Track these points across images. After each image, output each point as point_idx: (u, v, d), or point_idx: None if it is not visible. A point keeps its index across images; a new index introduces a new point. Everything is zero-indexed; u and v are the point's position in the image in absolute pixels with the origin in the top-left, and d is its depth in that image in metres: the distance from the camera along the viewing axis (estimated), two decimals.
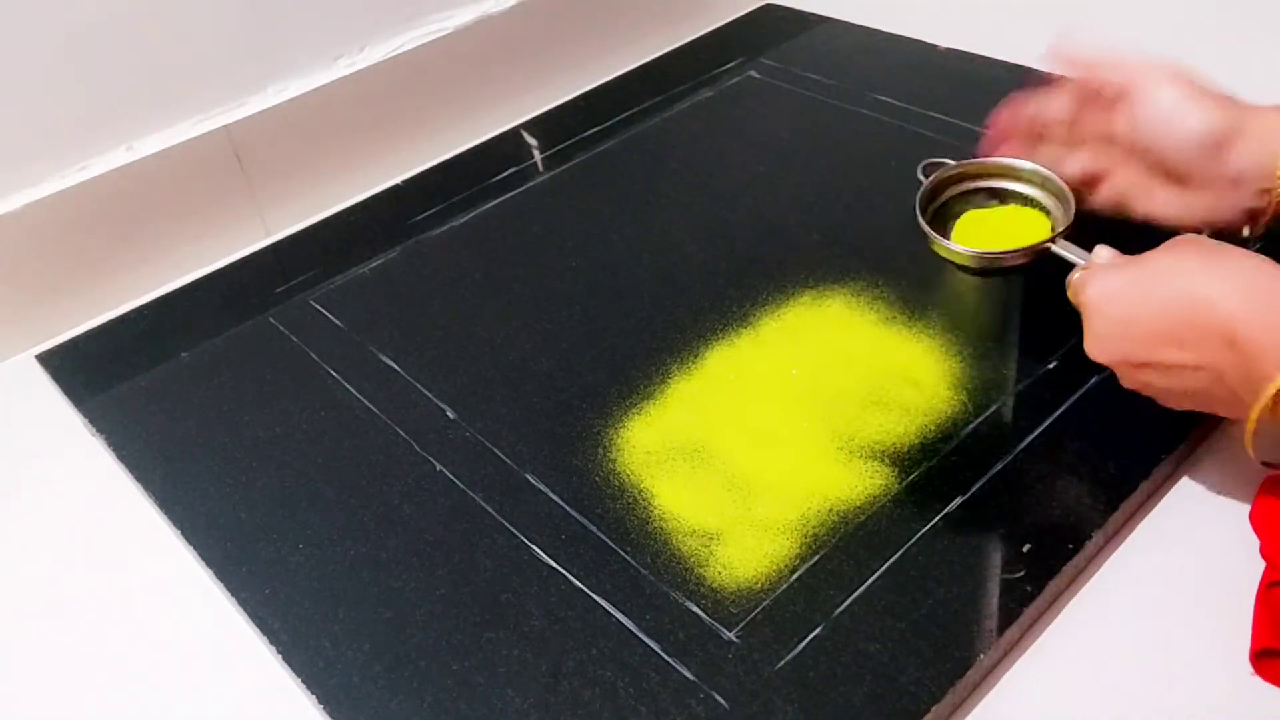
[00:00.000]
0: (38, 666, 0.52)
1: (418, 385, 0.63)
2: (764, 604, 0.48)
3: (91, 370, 0.68)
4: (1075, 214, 0.59)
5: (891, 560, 0.50)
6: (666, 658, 0.47)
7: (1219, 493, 0.53)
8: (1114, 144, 0.57)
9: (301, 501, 0.57)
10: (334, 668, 0.48)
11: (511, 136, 0.88)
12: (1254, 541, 0.49)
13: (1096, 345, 0.50)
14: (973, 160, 0.61)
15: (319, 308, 0.70)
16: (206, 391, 0.65)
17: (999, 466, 0.53)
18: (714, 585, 0.50)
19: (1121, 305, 0.48)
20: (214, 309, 0.72)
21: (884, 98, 0.85)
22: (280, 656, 0.49)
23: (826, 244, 0.70)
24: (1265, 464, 0.48)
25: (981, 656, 0.45)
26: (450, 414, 0.61)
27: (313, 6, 0.77)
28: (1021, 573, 0.48)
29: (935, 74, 0.88)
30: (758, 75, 0.91)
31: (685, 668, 0.46)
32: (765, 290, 0.66)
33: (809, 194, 0.75)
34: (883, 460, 0.55)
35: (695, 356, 0.62)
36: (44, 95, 0.68)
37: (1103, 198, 0.59)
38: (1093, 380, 0.57)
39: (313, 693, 0.47)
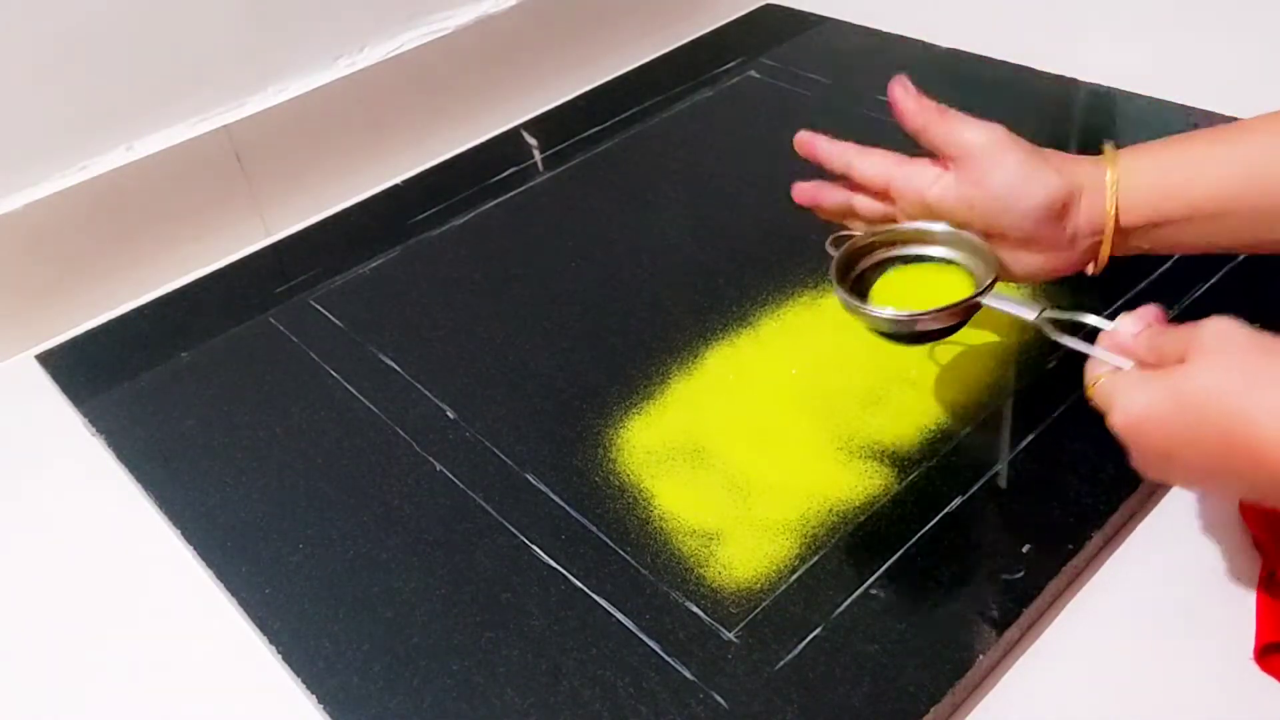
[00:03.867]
0: (38, 666, 0.52)
1: (418, 385, 0.63)
2: (764, 604, 0.48)
3: (91, 370, 0.68)
4: (998, 269, 0.53)
5: (891, 560, 0.50)
6: (666, 658, 0.47)
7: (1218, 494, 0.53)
8: (934, 213, 0.54)
9: (301, 501, 0.57)
10: (334, 668, 0.48)
11: (511, 136, 0.88)
12: (1251, 543, 0.49)
13: (1143, 471, 0.45)
14: (883, 228, 0.56)
15: (319, 308, 0.70)
16: (206, 391, 0.65)
17: (999, 466, 0.53)
18: (714, 585, 0.50)
19: (1160, 437, 0.43)
20: (214, 309, 0.72)
21: (884, 98, 0.84)
22: (280, 656, 0.49)
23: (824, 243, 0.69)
24: None
25: (981, 656, 0.45)
26: (450, 414, 0.61)
27: (313, 6, 0.77)
28: (1021, 573, 0.48)
29: (935, 74, 0.87)
30: (758, 75, 0.91)
31: (685, 668, 0.46)
32: (765, 290, 0.66)
33: None
34: (883, 460, 0.55)
35: (695, 356, 0.62)
36: (44, 95, 0.68)
37: None
38: None
39: (313, 693, 0.47)
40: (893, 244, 0.56)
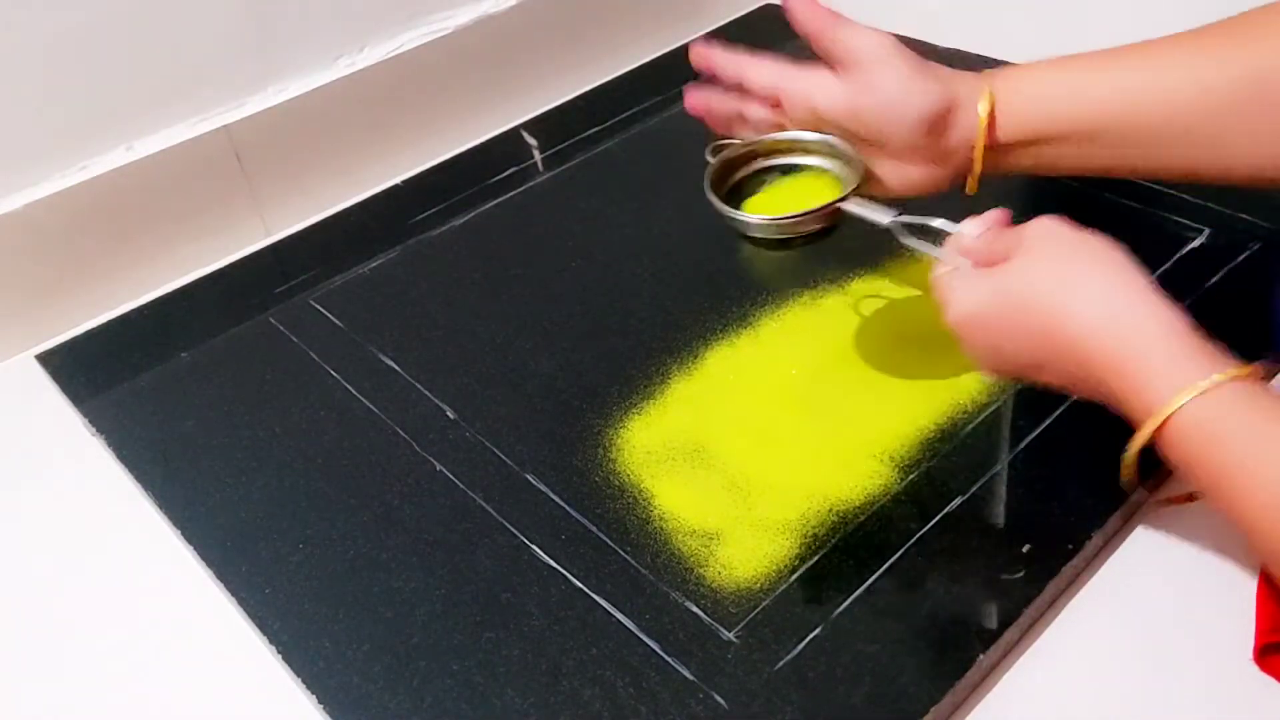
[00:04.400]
0: (38, 666, 0.52)
1: (418, 385, 0.63)
2: (764, 604, 0.48)
3: (91, 370, 0.68)
4: (864, 176, 0.56)
5: (891, 560, 0.50)
6: (666, 658, 0.47)
7: None
8: (821, 121, 0.55)
9: (301, 501, 0.57)
10: (334, 668, 0.48)
11: (511, 136, 0.88)
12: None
13: (973, 359, 0.50)
14: (760, 138, 0.58)
15: (319, 308, 0.70)
16: (206, 391, 0.65)
17: (999, 466, 0.53)
18: (714, 585, 0.50)
19: (987, 331, 0.48)
20: (214, 309, 0.72)
21: None
22: (280, 656, 0.49)
23: (826, 243, 0.69)
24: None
25: (981, 656, 0.45)
26: (450, 414, 0.61)
27: (313, 6, 0.77)
28: (1021, 573, 0.48)
29: None
30: None
31: (685, 668, 0.46)
32: (765, 290, 0.66)
33: None
34: (883, 460, 0.55)
35: (695, 356, 0.62)
36: (44, 95, 0.68)
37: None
38: None
39: (313, 693, 0.47)
40: (769, 154, 0.59)
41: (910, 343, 0.62)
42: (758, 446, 0.56)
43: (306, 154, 0.80)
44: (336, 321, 0.69)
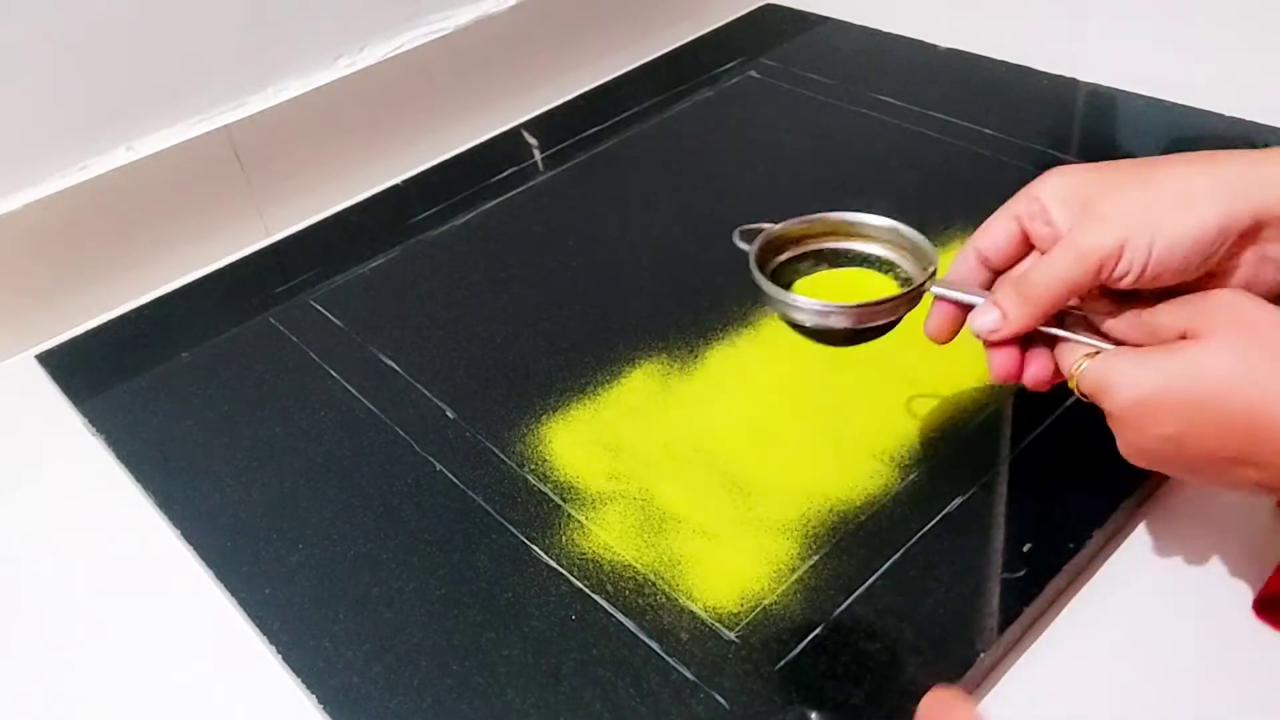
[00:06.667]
0: (37, 666, 0.52)
1: (418, 385, 0.63)
2: (764, 604, 0.48)
3: (91, 370, 0.68)
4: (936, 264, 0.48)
5: (891, 560, 0.50)
6: (666, 658, 0.47)
7: (1219, 493, 0.53)
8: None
9: (301, 501, 0.56)
10: (334, 668, 0.48)
11: (511, 136, 0.88)
12: (1253, 542, 0.49)
13: (1135, 458, 0.42)
14: (796, 220, 0.51)
15: (319, 308, 0.70)
16: (206, 391, 0.65)
17: (999, 466, 0.53)
18: (714, 585, 0.50)
19: (1170, 421, 0.40)
20: (214, 309, 0.72)
21: (884, 98, 0.85)
22: (280, 656, 0.49)
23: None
24: None
25: (981, 656, 0.45)
26: (450, 414, 0.61)
27: (313, 6, 0.77)
28: (1021, 573, 0.48)
29: (935, 74, 0.87)
30: (758, 75, 0.91)
31: (685, 668, 0.46)
32: None
33: (809, 194, 0.75)
34: (883, 460, 0.55)
35: (695, 356, 0.62)
36: (44, 95, 0.68)
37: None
38: None
39: (313, 693, 0.47)
40: (804, 239, 0.52)
41: (910, 343, 0.61)
42: (758, 446, 0.56)
43: (306, 154, 0.80)
44: (336, 321, 0.69)
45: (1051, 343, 0.45)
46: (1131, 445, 0.42)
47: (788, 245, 0.52)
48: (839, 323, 0.48)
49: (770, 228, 0.52)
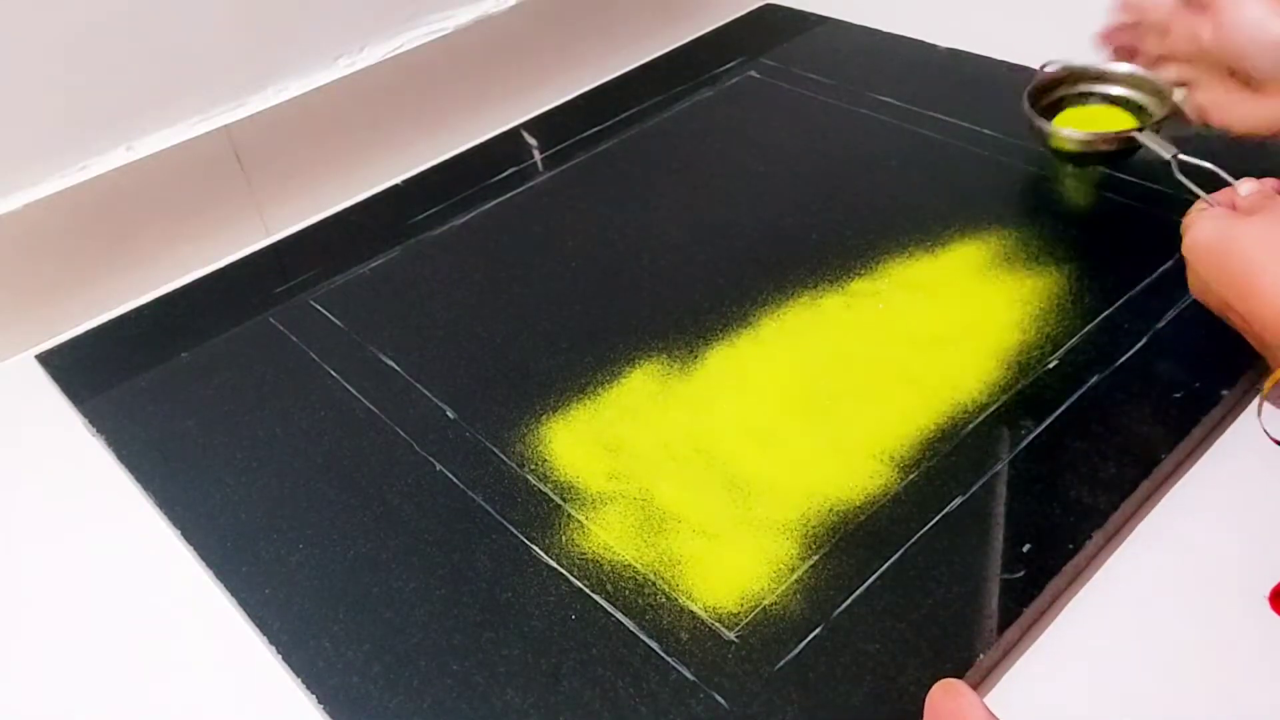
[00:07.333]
0: (37, 666, 0.52)
1: (418, 385, 0.63)
2: (764, 604, 0.48)
3: (91, 370, 0.68)
4: (1169, 113, 0.66)
5: (891, 560, 0.50)
6: (666, 658, 0.47)
7: (1219, 492, 0.53)
8: (1200, 55, 0.62)
9: (301, 501, 0.57)
10: (334, 668, 0.48)
11: (511, 136, 0.88)
12: (1254, 542, 0.49)
13: (1191, 290, 0.56)
14: (1077, 66, 0.72)
15: (319, 308, 0.70)
16: (206, 391, 0.65)
17: (999, 466, 0.53)
18: (714, 585, 0.50)
19: (1203, 264, 0.54)
20: (214, 309, 0.72)
21: (884, 98, 0.85)
22: (280, 656, 0.49)
23: (826, 244, 0.70)
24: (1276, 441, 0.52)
25: (981, 656, 0.45)
26: (450, 414, 0.61)
27: (313, 6, 0.77)
28: (1021, 573, 0.48)
29: (935, 74, 0.88)
30: (758, 75, 0.91)
31: (685, 668, 0.46)
32: (765, 290, 0.66)
33: (809, 194, 0.75)
34: (883, 460, 0.55)
35: (695, 356, 0.62)
36: (44, 95, 0.69)
37: (1187, 108, 0.66)
38: (1093, 379, 0.57)
39: (313, 693, 0.47)
40: (1081, 80, 0.73)
41: (910, 343, 0.62)
42: (758, 446, 0.56)
43: (306, 154, 0.80)
44: (336, 321, 0.69)
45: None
46: (1189, 279, 0.56)
47: (1070, 82, 0.74)
48: (1070, 147, 0.69)
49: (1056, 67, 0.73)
